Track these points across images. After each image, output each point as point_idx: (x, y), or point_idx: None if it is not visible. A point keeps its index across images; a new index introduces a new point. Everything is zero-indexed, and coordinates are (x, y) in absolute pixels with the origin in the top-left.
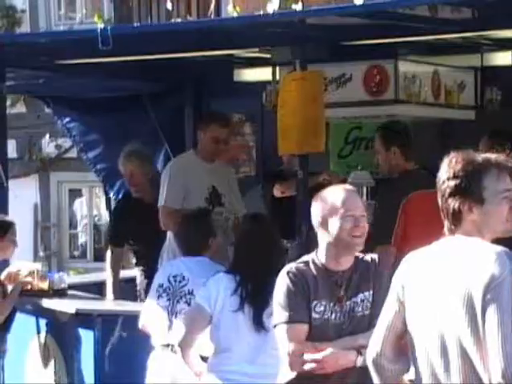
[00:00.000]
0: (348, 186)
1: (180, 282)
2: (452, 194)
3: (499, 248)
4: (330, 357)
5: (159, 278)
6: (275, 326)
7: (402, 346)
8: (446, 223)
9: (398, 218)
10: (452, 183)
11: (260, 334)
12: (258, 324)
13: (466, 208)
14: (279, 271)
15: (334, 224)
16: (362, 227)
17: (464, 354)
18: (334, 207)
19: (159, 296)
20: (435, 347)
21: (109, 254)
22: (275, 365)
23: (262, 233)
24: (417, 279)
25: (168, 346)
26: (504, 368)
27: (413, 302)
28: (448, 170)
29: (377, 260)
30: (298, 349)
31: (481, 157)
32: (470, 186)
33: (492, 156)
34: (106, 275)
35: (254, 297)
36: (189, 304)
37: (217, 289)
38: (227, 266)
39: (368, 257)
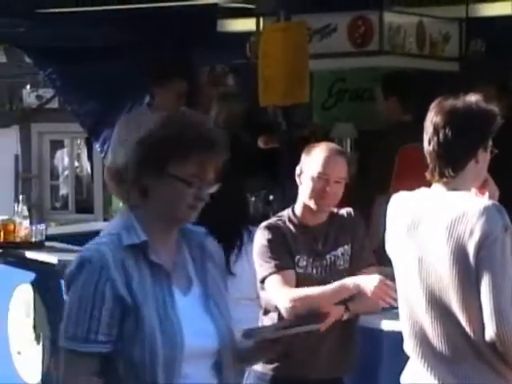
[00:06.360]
0: (336, 147)
1: None
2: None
3: (489, 202)
4: (325, 296)
5: None
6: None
7: None
8: (441, 169)
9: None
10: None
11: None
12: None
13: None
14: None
15: (307, 181)
16: (332, 192)
17: (448, 309)
18: (312, 164)
19: None
20: (421, 302)
21: None
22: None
23: None
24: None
25: None
26: (498, 324)
27: (399, 254)
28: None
29: (352, 214)
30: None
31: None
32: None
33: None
34: None
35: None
36: None
37: None
38: None
39: (343, 211)
